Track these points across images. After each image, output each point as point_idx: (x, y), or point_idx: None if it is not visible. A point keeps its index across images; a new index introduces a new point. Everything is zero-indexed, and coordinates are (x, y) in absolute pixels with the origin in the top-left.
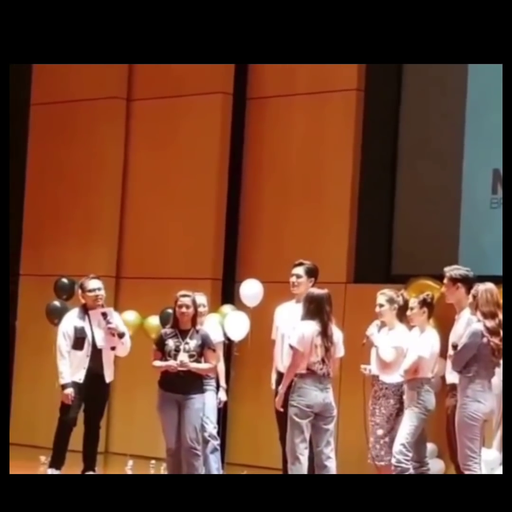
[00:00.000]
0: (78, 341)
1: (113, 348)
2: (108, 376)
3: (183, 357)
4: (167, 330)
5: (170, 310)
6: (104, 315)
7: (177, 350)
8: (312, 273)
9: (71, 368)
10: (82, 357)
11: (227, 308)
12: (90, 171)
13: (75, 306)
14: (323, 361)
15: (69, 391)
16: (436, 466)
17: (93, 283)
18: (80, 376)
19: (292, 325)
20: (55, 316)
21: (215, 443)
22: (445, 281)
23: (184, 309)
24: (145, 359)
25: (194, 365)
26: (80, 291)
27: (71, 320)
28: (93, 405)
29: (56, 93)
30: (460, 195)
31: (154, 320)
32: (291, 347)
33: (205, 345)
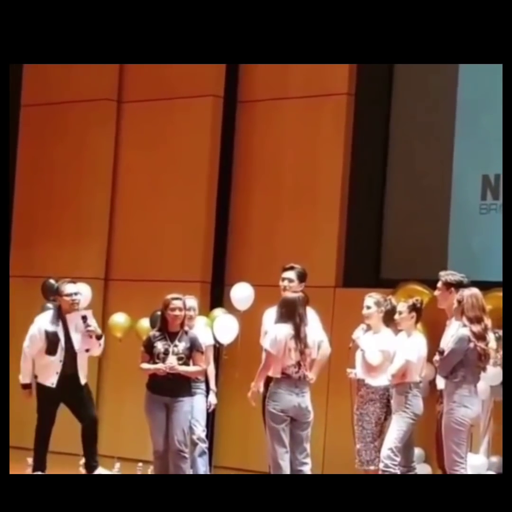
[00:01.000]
0: (51, 346)
1: (87, 350)
2: (83, 377)
3: (172, 360)
4: (155, 332)
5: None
6: (84, 318)
7: (166, 353)
8: (303, 277)
9: (44, 373)
10: (55, 362)
11: (218, 311)
12: (81, 173)
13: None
14: (298, 364)
15: (27, 391)
16: (423, 471)
17: (70, 288)
18: (52, 381)
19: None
20: None
21: (204, 446)
22: (439, 285)
23: (177, 312)
24: (133, 361)
25: (182, 368)
26: (56, 294)
27: (42, 324)
28: (77, 407)
29: (47, 95)
30: (449, 200)
31: (145, 323)
32: (264, 350)
33: (193, 348)
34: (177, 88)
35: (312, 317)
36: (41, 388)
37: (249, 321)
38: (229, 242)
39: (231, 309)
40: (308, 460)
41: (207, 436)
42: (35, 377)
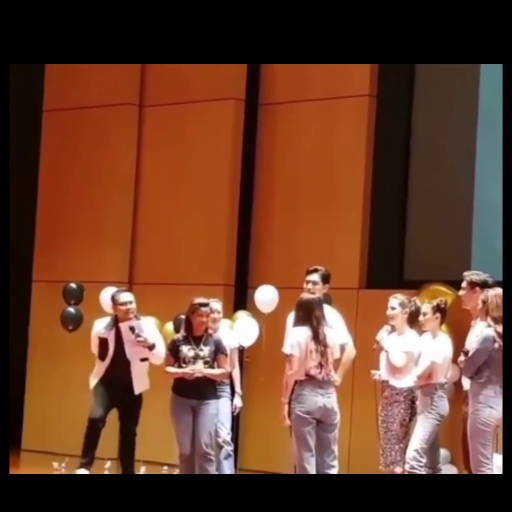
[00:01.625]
0: (102, 352)
1: (143, 359)
2: (138, 388)
3: (198, 364)
4: (180, 336)
5: (183, 317)
6: (132, 329)
7: (195, 357)
8: (327, 279)
9: (93, 376)
10: (101, 368)
11: (240, 314)
12: (103, 177)
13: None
14: (320, 365)
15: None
16: (448, 472)
17: (125, 296)
18: (93, 384)
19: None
20: (70, 322)
21: (229, 449)
22: (464, 285)
23: (204, 319)
24: (158, 365)
25: (208, 371)
26: (111, 303)
27: (98, 329)
28: (125, 414)
29: (68, 100)
30: (472, 200)
31: (169, 326)
32: (286, 354)
33: (218, 351)
34: (198, 92)
35: (335, 318)
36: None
37: (273, 324)
38: (251, 244)
39: (255, 312)
40: (336, 463)
41: (232, 439)
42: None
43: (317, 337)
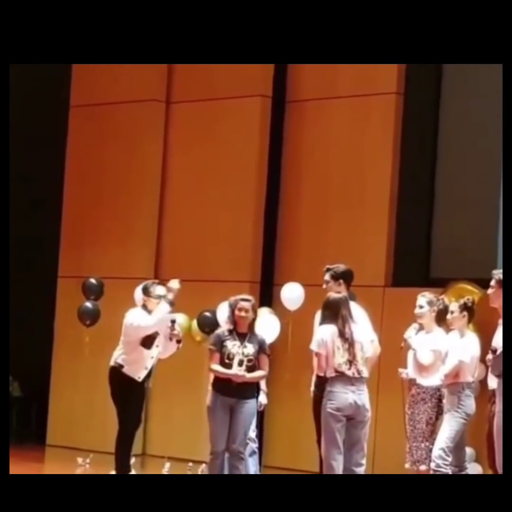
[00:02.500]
0: (149, 339)
1: None
2: (151, 380)
3: (240, 363)
4: (225, 331)
5: (207, 313)
6: (173, 322)
7: (244, 355)
8: (339, 276)
9: (134, 366)
10: (147, 357)
11: (264, 311)
12: (129, 173)
13: (119, 308)
14: (349, 361)
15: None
16: (474, 470)
17: (160, 290)
18: (140, 375)
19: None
20: (87, 317)
21: (254, 446)
22: (492, 283)
23: (243, 313)
24: (183, 361)
25: (249, 376)
26: (142, 294)
27: (143, 317)
28: (134, 410)
29: (95, 95)
30: (499, 199)
31: (194, 324)
32: (313, 353)
33: (261, 350)
34: (225, 88)
35: (361, 316)
36: (126, 379)
37: (299, 321)
38: (278, 242)
39: (281, 309)
40: (364, 461)
41: (257, 436)
42: (120, 366)
43: (343, 335)
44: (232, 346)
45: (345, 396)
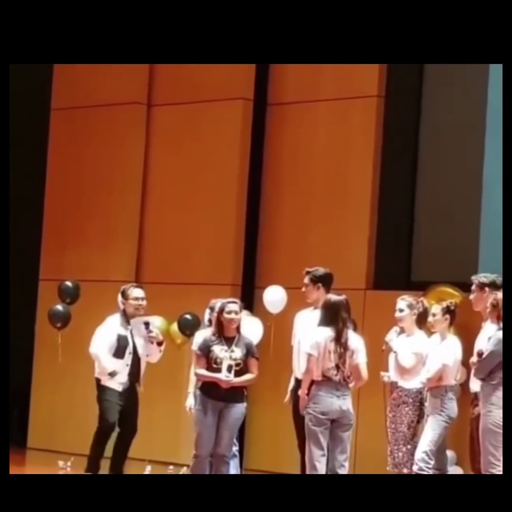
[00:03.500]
0: (120, 350)
1: (146, 355)
2: (141, 385)
3: (229, 369)
4: (212, 336)
5: (188, 316)
6: (147, 324)
7: (232, 359)
8: (318, 279)
9: (105, 373)
10: (122, 366)
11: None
12: (111, 176)
13: (90, 311)
14: (337, 367)
15: (116, 375)
16: (455, 473)
17: (137, 292)
18: (118, 384)
19: (307, 332)
20: (57, 320)
21: (235, 449)
22: (473, 287)
23: (233, 315)
24: (165, 364)
25: (238, 380)
26: (120, 297)
27: (113, 328)
28: (128, 412)
29: (76, 98)
30: (480, 202)
31: (174, 327)
32: (306, 353)
33: (249, 354)
34: (207, 91)
35: None
36: (105, 390)
37: (281, 324)
38: (259, 244)
39: (263, 312)
40: (347, 463)
41: (237, 439)
42: (98, 380)
43: (339, 339)
44: (220, 350)
45: (330, 400)
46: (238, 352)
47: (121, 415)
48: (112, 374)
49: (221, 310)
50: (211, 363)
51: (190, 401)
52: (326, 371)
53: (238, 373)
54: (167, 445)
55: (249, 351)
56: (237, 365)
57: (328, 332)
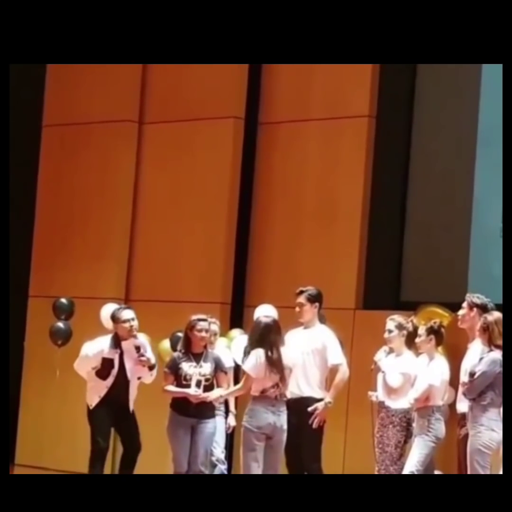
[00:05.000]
0: (104, 371)
1: (139, 378)
2: (132, 405)
3: (198, 384)
4: (179, 353)
5: (180, 334)
6: (137, 348)
7: (201, 375)
8: (314, 298)
9: (89, 394)
10: (101, 386)
11: (235, 332)
12: (101, 193)
13: (91, 327)
14: (276, 385)
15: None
16: None
17: (127, 314)
18: (92, 403)
19: (300, 351)
20: (59, 337)
21: (223, 467)
22: (464, 305)
23: (203, 333)
24: (154, 383)
25: (206, 395)
26: (111, 321)
27: (100, 349)
28: (125, 431)
29: (68, 115)
30: (470, 223)
31: (165, 344)
32: (244, 372)
33: (218, 368)
34: (198, 110)
35: (330, 338)
36: (93, 413)
37: None
38: (249, 263)
39: None
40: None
41: (226, 457)
42: (88, 405)
43: (271, 360)
44: (188, 367)
45: (265, 415)
46: (206, 368)
47: (120, 436)
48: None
49: (191, 327)
50: (181, 380)
51: (231, 420)
52: (265, 390)
53: (207, 388)
54: (156, 462)
55: (217, 366)
56: (206, 380)
57: (263, 353)
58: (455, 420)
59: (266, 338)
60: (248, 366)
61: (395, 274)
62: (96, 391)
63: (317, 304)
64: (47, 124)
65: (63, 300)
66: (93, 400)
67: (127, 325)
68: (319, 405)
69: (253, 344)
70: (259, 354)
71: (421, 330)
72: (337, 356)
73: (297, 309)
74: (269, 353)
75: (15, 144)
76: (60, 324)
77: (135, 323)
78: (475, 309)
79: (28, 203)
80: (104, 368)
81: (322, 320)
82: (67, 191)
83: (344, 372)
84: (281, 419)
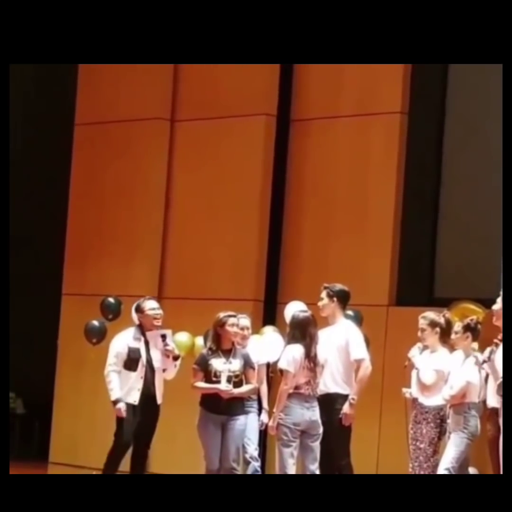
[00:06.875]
0: (132, 362)
1: (163, 370)
2: (160, 397)
3: (229, 380)
4: (208, 350)
5: None
6: (164, 336)
7: (230, 371)
8: (334, 295)
9: (124, 389)
10: (136, 378)
11: (267, 329)
12: (133, 191)
13: (125, 326)
14: (309, 382)
15: (121, 406)
16: None
17: (151, 303)
18: (134, 398)
19: (324, 347)
20: (93, 335)
21: (256, 464)
22: (498, 299)
23: (235, 329)
24: (183, 380)
25: (237, 391)
26: (135, 312)
27: (125, 340)
28: (143, 426)
29: (100, 114)
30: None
31: (199, 341)
32: (281, 370)
33: (247, 365)
34: (230, 107)
35: (354, 333)
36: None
37: None
38: (281, 260)
39: (285, 328)
40: (319, 471)
41: (259, 454)
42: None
43: (310, 355)
44: (218, 363)
45: (301, 411)
46: (236, 364)
47: (135, 430)
48: (115, 402)
49: (222, 324)
50: (210, 377)
51: (264, 417)
52: (299, 386)
53: (236, 385)
54: (189, 460)
55: (246, 362)
56: (235, 376)
57: (301, 349)
58: (485, 415)
59: (306, 332)
60: (283, 363)
61: (428, 271)
62: (135, 385)
63: (335, 299)
64: (79, 123)
65: (111, 299)
66: (135, 395)
67: (152, 313)
68: (345, 407)
69: (292, 339)
70: (296, 349)
71: (457, 327)
72: (359, 351)
73: (319, 303)
74: (307, 348)
75: (48, 143)
76: (95, 322)
77: (160, 312)
78: None
79: (61, 201)
80: (130, 359)
81: (358, 317)
82: (99, 189)
83: (366, 367)
84: (316, 414)
